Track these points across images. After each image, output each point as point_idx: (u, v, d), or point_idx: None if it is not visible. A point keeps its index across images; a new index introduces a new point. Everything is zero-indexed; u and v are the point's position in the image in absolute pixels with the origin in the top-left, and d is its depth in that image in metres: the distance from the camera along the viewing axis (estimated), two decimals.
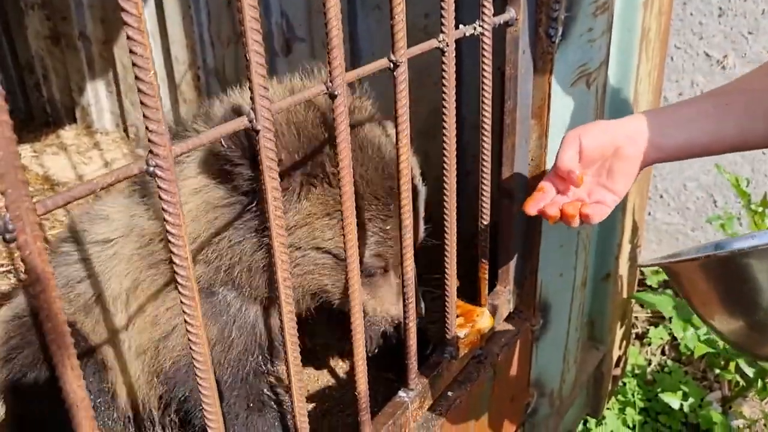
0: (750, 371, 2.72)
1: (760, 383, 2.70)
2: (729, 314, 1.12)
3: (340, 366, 2.29)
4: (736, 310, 1.11)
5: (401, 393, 1.62)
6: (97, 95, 4.21)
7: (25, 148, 4.04)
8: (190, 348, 0.99)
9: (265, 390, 1.79)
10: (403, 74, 1.27)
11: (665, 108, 1.54)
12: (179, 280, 0.93)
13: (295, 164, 1.48)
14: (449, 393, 1.77)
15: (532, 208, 1.56)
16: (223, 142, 1.39)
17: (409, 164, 1.36)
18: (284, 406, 1.82)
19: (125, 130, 4.21)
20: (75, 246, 1.79)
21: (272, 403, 1.80)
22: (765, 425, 3.11)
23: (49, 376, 1.71)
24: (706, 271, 1.13)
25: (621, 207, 2.41)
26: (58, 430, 1.72)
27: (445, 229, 1.58)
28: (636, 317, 3.66)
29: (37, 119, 4.51)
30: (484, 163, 1.72)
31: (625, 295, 2.75)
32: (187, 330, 0.97)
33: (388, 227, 1.58)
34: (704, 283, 1.14)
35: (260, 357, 1.77)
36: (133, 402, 1.83)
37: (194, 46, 3.58)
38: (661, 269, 1.27)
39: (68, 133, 4.27)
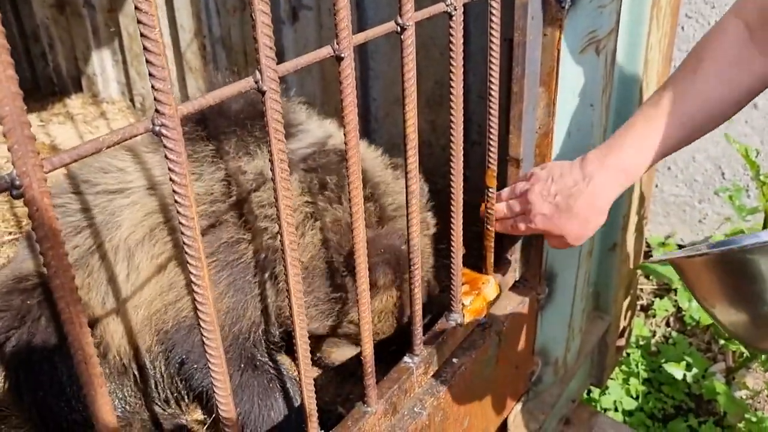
0: None
1: (763, 355, 2.72)
2: (732, 308, 1.13)
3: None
4: (739, 304, 1.12)
5: (406, 359, 1.63)
6: (102, 64, 4.19)
7: (32, 118, 4.03)
8: (195, 308, 1.00)
9: (258, 355, 1.82)
10: (410, 38, 1.26)
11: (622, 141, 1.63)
12: (186, 240, 0.93)
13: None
14: (454, 359, 1.79)
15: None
16: None
17: (416, 129, 1.35)
18: (281, 370, 1.85)
19: (131, 100, 4.20)
20: (75, 196, 1.81)
21: (266, 366, 1.83)
22: None
23: (30, 339, 1.74)
24: (711, 267, 1.14)
25: None
26: (46, 390, 1.76)
27: (452, 197, 1.58)
28: (641, 289, 3.67)
29: (44, 89, 4.50)
30: (491, 131, 1.71)
31: (631, 266, 2.75)
32: (193, 290, 0.98)
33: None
34: (708, 278, 1.16)
35: (265, 331, 1.81)
36: (126, 353, 1.84)
37: (200, 14, 3.55)
38: (666, 257, 1.27)
39: (74, 103, 4.26)
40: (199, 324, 1.01)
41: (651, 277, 3.60)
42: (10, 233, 2.91)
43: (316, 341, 1.93)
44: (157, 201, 1.74)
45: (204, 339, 1.02)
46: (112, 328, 1.81)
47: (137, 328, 1.80)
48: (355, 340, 1.91)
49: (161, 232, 1.72)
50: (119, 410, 1.88)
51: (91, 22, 4.05)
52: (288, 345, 1.98)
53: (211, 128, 1.77)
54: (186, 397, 1.99)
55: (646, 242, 3.53)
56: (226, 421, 1.12)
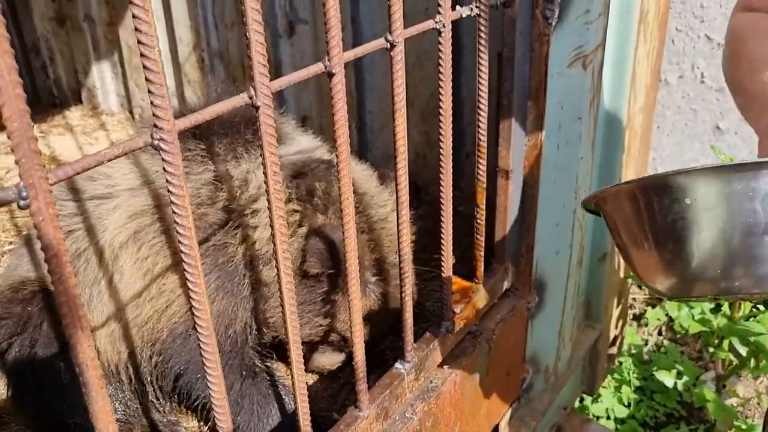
0: (743, 350, 2.77)
1: (753, 362, 2.75)
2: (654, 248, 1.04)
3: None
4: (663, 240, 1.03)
5: (398, 365, 1.67)
6: (102, 77, 4.25)
7: None
8: (194, 322, 1.04)
9: (256, 361, 1.86)
10: (399, 54, 1.31)
11: None
12: (183, 249, 0.97)
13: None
14: (445, 366, 1.82)
15: None
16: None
17: (405, 143, 1.40)
18: (275, 378, 1.89)
19: (130, 112, 4.25)
20: (64, 203, 1.86)
21: (264, 374, 1.87)
22: (758, 404, 3.16)
23: (32, 345, 1.78)
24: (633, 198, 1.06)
25: None
26: (48, 395, 1.79)
27: (441, 206, 1.62)
28: (634, 298, 3.71)
29: (44, 101, 4.55)
30: (481, 144, 1.76)
31: (621, 276, 2.80)
32: (191, 302, 1.02)
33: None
34: (629, 211, 1.07)
35: (259, 333, 1.85)
36: (113, 359, 1.87)
37: (198, 27, 3.61)
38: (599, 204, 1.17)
39: (74, 114, 4.32)
40: (195, 330, 1.06)
41: (643, 287, 3.64)
42: (10, 243, 2.95)
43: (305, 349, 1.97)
44: (142, 203, 1.77)
45: (201, 345, 1.06)
46: (101, 331, 1.83)
47: (123, 332, 1.82)
48: (340, 346, 1.96)
49: (146, 235, 1.74)
50: (120, 413, 1.91)
51: (91, 36, 4.11)
52: (279, 352, 2.02)
53: (203, 127, 1.80)
54: (181, 405, 2.03)
55: None
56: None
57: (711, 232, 0.97)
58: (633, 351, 3.45)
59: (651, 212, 1.03)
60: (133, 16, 0.81)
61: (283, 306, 1.22)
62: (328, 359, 2.03)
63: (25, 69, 4.52)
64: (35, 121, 4.25)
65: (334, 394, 2.14)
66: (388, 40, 1.29)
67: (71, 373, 1.76)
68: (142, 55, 0.84)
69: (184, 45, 3.74)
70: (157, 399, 1.97)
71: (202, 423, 2.09)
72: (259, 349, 1.88)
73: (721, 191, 0.95)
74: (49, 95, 4.52)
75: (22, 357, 1.77)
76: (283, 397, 1.88)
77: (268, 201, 1.12)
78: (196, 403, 1.90)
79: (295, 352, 1.28)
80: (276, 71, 3.32)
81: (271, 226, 1.14)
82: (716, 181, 0.95)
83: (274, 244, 1.16)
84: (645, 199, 1.04)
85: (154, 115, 0.87)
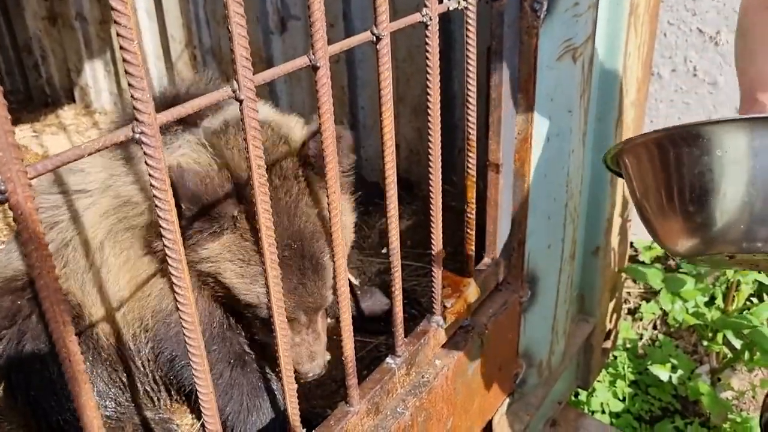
0: (737, 343, 2.77)
1: (747, 355, 2.75)
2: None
3: None
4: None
5: (389, 360, 1.67)
6: (95, 75, 4.23)
7: (25, 128, 4.07)
8: (179, 313, 1.04)
9: (246, 349, 1.85)
10: (385, 47, 1.31)
11: None
12: (166, 243, 0.97)
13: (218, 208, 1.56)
14: (437, 361, 1.82)
15: None
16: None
17: (393, 136, 1.40)
18: (266, 371, 1.89)
19: (123, 110, 4.24)
20: (45, 196, 1.87)
21: (254, 364, 1.86)
22: (753, 397, 3.17)
23: (21, 338, 1.78)
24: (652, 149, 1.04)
25: (610, 182, 2.45)
26: (37, 389, 1.79)
27: (431, 200, 1.62)
28: (628, 293, 3.71)
29: (36, 100, 4.53)
30: (470, 138, 1.76)
31: (615, 269, 2.79)
32: (173, 291, 1.02)
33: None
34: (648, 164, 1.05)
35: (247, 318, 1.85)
36: (110, 334, 1.87)
37: (190, 24, 3.60)
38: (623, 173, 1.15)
39: (67, 113, 4.31)
40: (181, 325, 1.05)
41: (638, 281, 3.65)
42: (2, 242, 2.94)
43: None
44: (108, 202, 1.77)
45: (186, 339, 1.06)
46: (94, 312, 1.85)
47: (119, 317, 1.83)
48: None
49: (117, 234, 1.75)
50: (111, 411, 1.91)
51: (83, 34, 4.10)
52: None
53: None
54: (177, 393, 2.02)
55: (632, 246, 3.58)
56: (209, 423, 1.15)
57: (739, 187, 0.94)
58: (628, 345, 3.46)
59: (675, 165, 1.00)
60: (112, 9, 0.81)
61: (268, 290, 1.22)
62: None
63: (17, 68, 4.51)
64: (28, 121, 4.24)
65: (330, 395, 2.13)
66: (374, 33, 1.29)
67: (59, 367, 1.75)
68: (121, 48, 0.84)
69: (176, 42, 3.73)
70: (152, 389, 1.97)
71: (194, 418, 2.09)
72: (248, 335, 1.87)
73: (751, 144, 0.91)
74: (41, 94, 4.51)
75: (11, 350, 1.77)
76: (275, 391, 1.88)
77: (254, 193, 1.12)
78: (189, 389, 1.90)
79: (283, 345, 1.28)
80: (268, 67, 3.30)
81: (257, 218, 1.14)
82: (747, 134, 0.91)
83: (259, 231, 1.16)
84: (668, 151, 1.01)
85: (134, 108, 0.87)
